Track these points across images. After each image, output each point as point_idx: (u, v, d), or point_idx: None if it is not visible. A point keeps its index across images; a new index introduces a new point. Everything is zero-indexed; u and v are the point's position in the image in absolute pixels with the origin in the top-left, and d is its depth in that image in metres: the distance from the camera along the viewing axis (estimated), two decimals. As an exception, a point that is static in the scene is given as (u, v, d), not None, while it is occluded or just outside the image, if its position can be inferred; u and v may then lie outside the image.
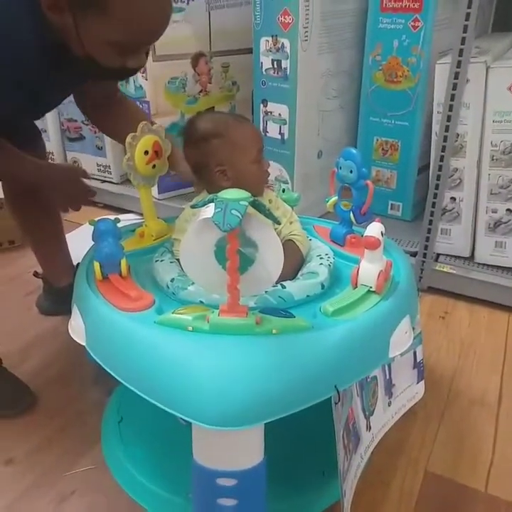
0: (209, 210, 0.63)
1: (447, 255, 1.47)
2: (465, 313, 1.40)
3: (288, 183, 1.59)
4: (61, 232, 1.32)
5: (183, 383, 0.64)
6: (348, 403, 0.80)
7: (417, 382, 1.02)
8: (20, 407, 1.06)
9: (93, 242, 0.84)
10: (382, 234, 0.76)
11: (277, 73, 1.46)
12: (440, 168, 1.35)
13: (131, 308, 0.74)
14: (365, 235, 0.76)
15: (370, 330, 0.73)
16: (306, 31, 1.39)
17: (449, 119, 1.30)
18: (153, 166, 0.96)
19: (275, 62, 1.45)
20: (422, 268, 1.45)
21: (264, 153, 0.92)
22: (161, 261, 0.85)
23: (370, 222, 0.80)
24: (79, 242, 1.04)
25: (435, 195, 1.38)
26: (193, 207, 0.70)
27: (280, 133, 1.52)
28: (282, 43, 1.41)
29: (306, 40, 1.40)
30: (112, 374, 0.72)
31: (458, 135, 1.33)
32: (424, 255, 1.44)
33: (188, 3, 1.65)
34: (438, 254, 1.48)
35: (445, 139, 1.32)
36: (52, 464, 0.97)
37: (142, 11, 0.78)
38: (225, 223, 0.60)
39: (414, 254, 1.47)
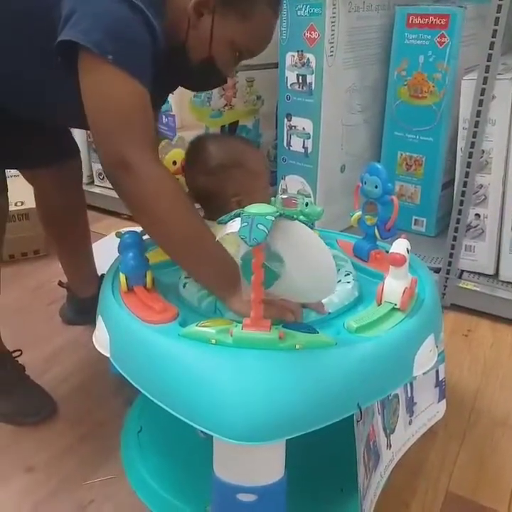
0: (235, 225, 0.63)
1: (471, 272, 1.46)
2: (488, 331, 1.38)
3: (310, 197, 1.59)
4: (88, 243, 1.33)
5: (205, 397, 0.64)
6: (369, 421, 0.79)
7: (439, 401, 1.01)
8: (42, 416, 1.07)
9: (118, 254, 0.86)
10: (407, 251, 0.76)
11: (302, 88, 1.47)
12: (465, 185, 1.34)
13: (155, 321, 0.74)
14: (390, 251, 0.76)
15: (394, 348, 0.73)
16: (332, 47, 1.40)
17: (474, 135, 1.29)
18: (177, 179, 0.97)
19: (300, 77, 1.46)
20: (446, 285, 1.44)
21: None
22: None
23: (396, 238, 0.80)
24: (104, 252, 1.04)
25: (459, 212, 1.36)
26: (219, 222, 0.71)
27: (304, 147, 1.53)
28: (308, 58, 1.42)
29: (332, 55, 1.41)
30: (136, 386, 0.72)
31: (483, 151, 1.32)
32: (448, 272, 1.43)
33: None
34: (462, 271, 1.46)
35: (470, 155, 1.32)
36: (71, 472, 0.98)
37: (268, 25, 0.90)
38: (251, 238, 0.61)
39: (437, 271, 1.46)
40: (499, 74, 1.26)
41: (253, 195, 0.87)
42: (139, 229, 0.85)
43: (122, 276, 0.81)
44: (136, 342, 0.73)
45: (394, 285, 0.77)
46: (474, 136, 1.30)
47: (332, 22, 1.37)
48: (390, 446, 0.88)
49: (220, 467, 0.68)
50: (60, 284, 1.37)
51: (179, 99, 1.71)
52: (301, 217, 1.04)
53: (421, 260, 1.00)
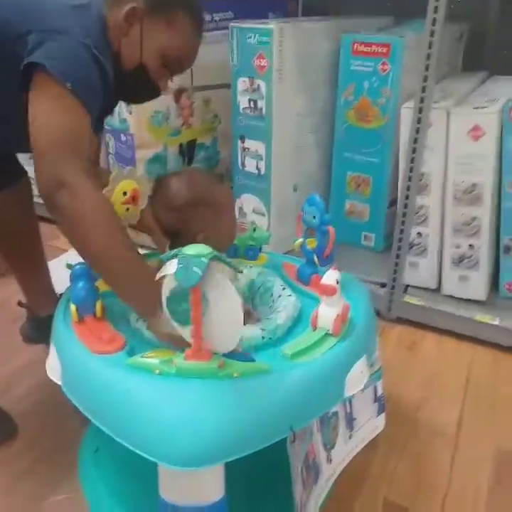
0: (171, 267, 0.69)
1: (416, 287, 1.54)
2: (432, 344, 1.46)
3: (265, 215, 1.66)
4: (43, 262, 1.36)
5: (148, 426, 0.69)
6: (308, 440, 0.85)
7: (377, 416, 1.08)
8: (2, 437, 1.10)
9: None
10: (337, 281, 0.83)
11: (254, 112, 1.53)
12: (406, 206, 1.43)
13: (103, 351, 0.79)
14: (321, 282, 0.83)
15: (325, 372, 0.79)
16: (280, 74, 1.47)
17: (412, 160, 1.38)
18: (127, 209, 1.02)
19: (252, 102, 1.52)
20: (391, 299, 1.52)
21: None
22: None
23: (330, 267, 0.86)
24: (62, 269, 1.07)
25: (402, 231, 1.45)
26: (161, 259, 0.76)
27: (257, 168, 1.59)
28: (258, 84, 1.49)
29: (280, 80, 1.48)
30: (85, 414, 0.77)
31: (423, 174, 1.41)
32: (393, 287, 1.51)
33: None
34: (407, 286, 1.55)
35: (409, 178, 1.40)
36: (32, 492, 1.01)
37: (191, 35, 1.00)
38: (185, 280, 0.66)
39: (384, 285, 1.54)
40: (435, 102, 1.35)
41: (219, 230, 0.93)
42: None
43: (73, 307, 0.86)
44: (85, 372, 0.78)
45: (327, 312, 0.84)
46: (412, 162, 1.38)
47: (279, 50, 1.43)
48: (331, 460, 0.95)
49: (164, 489, 0.73)
50: (20, 304, 1.39)
51: (137, 119, 1.75)
52: (250, 241, 1.12)
53: (358, 282, 1.08)
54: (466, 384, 1.31)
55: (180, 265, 0.67)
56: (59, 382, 0.83)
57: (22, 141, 0.85)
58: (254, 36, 1.44)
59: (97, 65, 0.89)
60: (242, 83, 1.53)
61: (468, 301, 1.48)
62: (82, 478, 1.01)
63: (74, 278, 0.88)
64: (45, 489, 1.02)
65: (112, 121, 1.78)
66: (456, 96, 1.48)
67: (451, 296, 1.50)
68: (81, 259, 0.85)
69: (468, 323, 1.44)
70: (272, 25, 1.41)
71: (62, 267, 1.07)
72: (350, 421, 0.99)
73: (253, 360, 0.76)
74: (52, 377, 0.84)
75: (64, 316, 0.88)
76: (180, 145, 1.87)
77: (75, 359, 0.80)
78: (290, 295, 0.98)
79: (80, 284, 0.87)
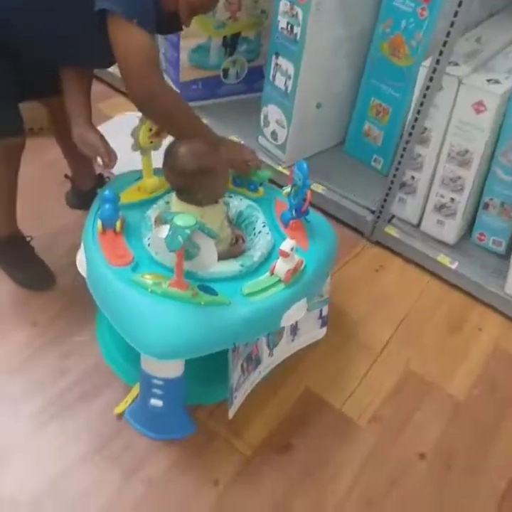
0: (163, 231, 0.97)
1: (400, 219, 1.77)
2: (396, 271, 1.73)
3: (285, 128, 1.82)
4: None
5: (136, 324, 1.05)
6: (252, 344, 1.20)
7: (320, 328, 1.41)
8: (44, 285, 1.48)
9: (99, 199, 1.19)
10: (292, 249, 1.09)
11: (289, 35, 1.63)
12: (404, 150, 1.60)
13: (114, 264, 1.10)
14: (279, 247, 1.09)
15: (267, 310, 1.10)
16: (319, 5, 1.54)
17: (418, 112, 1.51)
18: (151, 142, 1.26)
19: (289, 25, 1.61)
20: (374, 226, 1.76)
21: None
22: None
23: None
24: (110, 134, 1.35)
25: (396, 171, 1.64)
26: (163, 216, 1.03)
27: (285, 85, 1.73)
28: (297, 12, 1.57)
29: (318, 12, 1.55)
30: (98, 305, 1.12)
31: (426, 128, 1.55)
32: (378, 217, 1.74)
33: None
34: (393, 216, 1.77)
35: (413, 127, 1.55)
36: (62, 329, 1.42)
37: None
38: (171, 245, 0.95)
39: (373, 212, 1.77)
40: (455, 64, 1.44)
41: (214, 188, 1.17)
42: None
43: (99, 222, 1.16)
44: (99, 276, 1.11)
45: (282, 266, 1.12)
46: (418, 113, 1.52)
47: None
48: (272, 355, 1.30)
49: (144, 364, 1.11)
50: (66, 176, 1.70)
51: (186, 7, 1.85)
52: (255, 178, 1.36)
53: (330, 230, 1.33)
54: (408, 311, 1.61)
55: (170, 232, 0.95)
56: (84, 276, 1.17)
57: (88, 56, 1.24)
58: (300, -36, 1.49)
59: None
60: (283, 5, 1.60)
61: (440, 242, 1.71)
62: (98, 328, 1.40)
63: (102, 201, 1.16)
64: (73, 328, 1.41)
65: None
66: (484, 54, 1.54)
67: (426, 234, 1.73)
68: (121, 128, 1.26)
69: (431, 261, 1.69)
70: (317, -43, 1.45)
71: (107, 134, 1.34)
72: (294, 329, 1.33)
73: (216, 294, 1.07)
74: (80, 270, 1.18)
75: (93, 226, 1.18)
76: (224, 37, 1.97)
77: (95, 263, 1.13)
78: (267, 233, 1.24)
79: (107, 206, 1.16)
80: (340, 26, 1.67)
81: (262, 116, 1.88)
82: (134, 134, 1.23)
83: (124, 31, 1.11)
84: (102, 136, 1.30)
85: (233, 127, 2.02)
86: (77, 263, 1.19)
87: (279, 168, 1.89)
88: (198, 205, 1.16)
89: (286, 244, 1.09)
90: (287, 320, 1.15)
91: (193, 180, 1.12)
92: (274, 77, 1.76)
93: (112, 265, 1.10)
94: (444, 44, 1.37)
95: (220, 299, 1.07)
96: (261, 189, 1.37)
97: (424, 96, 1.48)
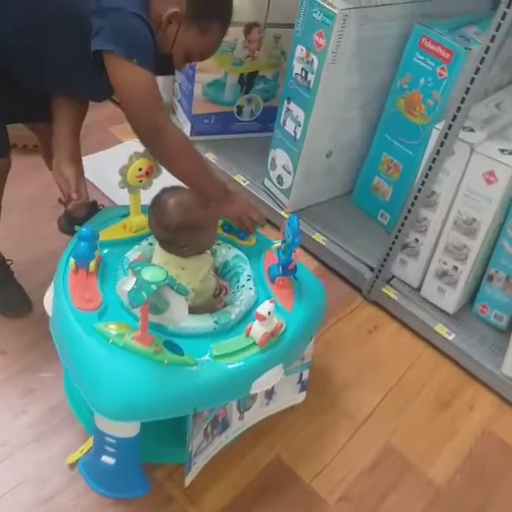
0: (129, 283, 0.90)
1: (400, 280, 1.69)
2: (390, 334, 1.65)
3: (290, 174, 1.77)
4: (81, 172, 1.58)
5: (91, 379, 0.98)
6: (218, 408, 1.12)
7: (299, 392, 1.32)
8: (19, 312, 1.43)
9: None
10: (269, 313, 1.02)
11: (303, 81, 1.58)
12: (409, 212, 1.53)
13: (79, 307, 1.04)
14: (256, 310, 1.02)
15: (236, 375, 1.03)
16: (335, 56, 1.49)
17: (426, 176, 1.45)
18: (140, 181, 1.21)
19: (303, 71, 1.57)
20: (372, 285, 1.68)
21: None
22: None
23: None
24: (97, 166, 1.33)
25: (398, 232, 1.56)
26: (130, 266, 0.97)
27: (294, 131, 1.68)
28: (312, 59, 1.52)
29: (334, 62, 1.51)
30: (57, 349, 1.05)
31: (434, 192, 1.48)
32: (377, 276, 1.66)
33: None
34: (393, 276, 1.70)
35: (419, 190, 1.48)
36: (30, 362, 1.35)
37: (218, 40, 1.22)
38: (134, 301, 0.88)
39: (372, 269, 1.69)
40: (469, 130, 1.38)
41: (202, 242, 1.13)
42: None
43: (72, 260, 1.10)
44: (62, 318, 1.05)
45: (258, 328, 1.05)
46: (426, 177, 1.45)
47: (339, 35, 1.44)
48: (243, 418, 1.22)
49: (97, 421, 1.03)
50: (60, 201, 1.65)
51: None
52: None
53: (321, 290, 1.26)
54: (397, 381, 1.51)
55: (135, 286, 0.89)
56: (49, 314, 1.11)
57: (78, 86, 1.20)
58: (319, 12, 1.44)
59: (147, 26, 1.08)
60: (299, 51, 1.56)
61: (439, 309, 1.63)
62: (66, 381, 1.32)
63: (79, 238, 1.11)
64: (42, 362, 1.35)
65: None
66: (501, 121, 1.48)
67: (426, 300, 1.65)
68: (125, 152, 1.18)
69: (428, 329, 1.60)
70: (337, 10, 1.41)
71: (94, 165, 1.29)
72: (269, 393, 1.25)
73: (182, 354, 1.00)
74: (46, 309, 1.12)
75: (66, 263, 1.13)
76: (241, 74, 1.94)
77: (60, 304, 1.06)
78: (251, 288, 1.17)
79: (82, 244, 1.10)
80: (357, 77, 1.62)
81: (269, 159, 1.83)
82: (122, 171, 1.18)
83: (123, 70, 1.08)
84: (78, 173, 1.25)
85: (242, 165, 1.98)
86: (44, 300, 1.13)
87: (282, 213, 1.83)
88: (182, 257, 1.11)
89: (264, 308, 1.02)
90: (258, 387, 1.07)
91: (178, 235, 1.07)
92: (284, 121, 1.71)
93: (77, 309, 1.04)
94: (458, 109, 1.31)
95: (184, 360, 1.00)
96: (253, 238, 1.31)
97: (434, 160, 1.41)
